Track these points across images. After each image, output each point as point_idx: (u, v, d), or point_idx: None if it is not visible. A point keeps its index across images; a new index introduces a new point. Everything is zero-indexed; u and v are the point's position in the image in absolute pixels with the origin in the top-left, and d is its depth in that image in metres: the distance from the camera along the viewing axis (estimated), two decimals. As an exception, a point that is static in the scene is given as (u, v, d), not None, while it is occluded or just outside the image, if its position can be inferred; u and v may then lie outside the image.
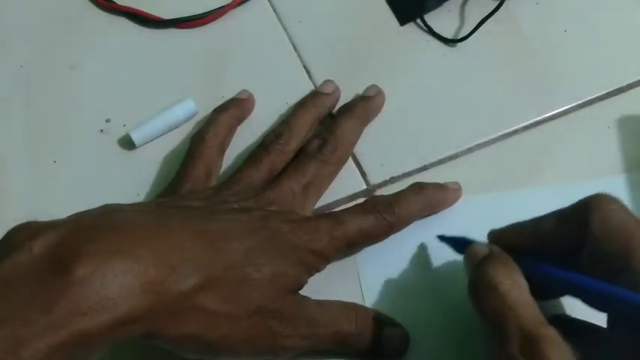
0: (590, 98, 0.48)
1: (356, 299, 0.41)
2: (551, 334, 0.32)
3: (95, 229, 0.32)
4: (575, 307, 0.37)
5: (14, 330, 0.28)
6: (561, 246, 0.36)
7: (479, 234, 0.40)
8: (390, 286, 0.42)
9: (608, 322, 0.34)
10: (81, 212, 0.34)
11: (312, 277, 0.39)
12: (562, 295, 0.38)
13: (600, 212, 0.34)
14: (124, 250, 0.31)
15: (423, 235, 0.43)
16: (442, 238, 0.41)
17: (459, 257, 0.42)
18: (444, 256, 0.42)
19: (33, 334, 0.28)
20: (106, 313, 0.30)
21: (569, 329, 0.33)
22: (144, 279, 0.31)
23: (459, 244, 0.40)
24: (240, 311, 0.35)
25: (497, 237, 0.38)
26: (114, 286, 0.30)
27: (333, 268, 0.40)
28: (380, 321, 0.39)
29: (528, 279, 0.35)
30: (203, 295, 0.34)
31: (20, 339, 0.28)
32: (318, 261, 0.39)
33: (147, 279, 0.31)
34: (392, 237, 0.42)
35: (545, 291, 0.36)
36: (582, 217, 0.34)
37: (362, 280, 0.42)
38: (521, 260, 0.35)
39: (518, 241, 0.37)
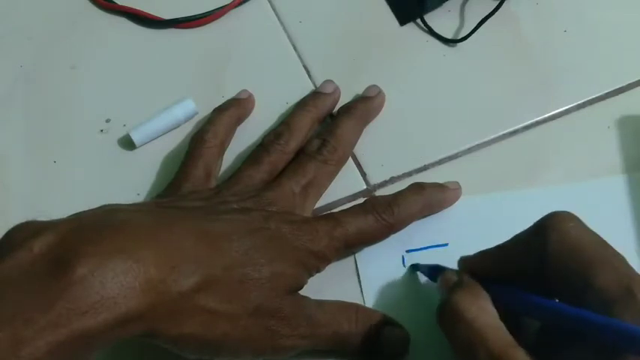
0: (590, 98, 0.48)
1: (356, 299, 0.41)
2: (521, 356, 0.31)
3: (95, 229, 0.32)
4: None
5: (14, 329, 0.28)
6: (525, 269, 0.35)
7: (479, 233, 0.40)
8: (389, 286, 0.42)
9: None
10: (81, 212, 0.34)
11: (312, 278, 0.39)
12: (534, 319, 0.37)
13: (557, 231, 0.33)
14: (124, 249, 0.31)
15: (423, 235, 0.43)
16: (415, 267, 0.42)
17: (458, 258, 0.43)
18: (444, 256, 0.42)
19: (33, 333, 0.28)
20: (106, 312, 0.30)
21: (560, 336, 0.33)
22: (144, 278, 0.31)
23: (432, 272, 0.40)
24: (239, 311, 0.35)
25: (467, 264, 0.38)
26: (114, 285, 0.30)
27: (333, 269, 0.40)
28: (380, 321, 0.39)
29: (498, 307, 0.34)
30: (203, 295, 0.34)
31: (20, 338, 0.28)
32: (317, 262, 0.39)
33: (147, 278, 0.31)
34: (392, 237, 0.42)
35: (516, 318, 0.35)
36: (540, 237, 0.34)
37: (362, 280, 0.42)
38: (490, 287, 0.35)
39: (485, 268, 0.37)
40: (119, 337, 0.31)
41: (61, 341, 0.29)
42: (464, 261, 0.38)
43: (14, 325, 0.28)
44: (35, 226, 0.32)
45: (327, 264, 0.40)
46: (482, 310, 0.34)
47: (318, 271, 0.39)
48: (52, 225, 0.32)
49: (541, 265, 0.34)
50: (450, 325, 0.34)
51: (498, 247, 0.36)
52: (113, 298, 0.30)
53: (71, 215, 0.34)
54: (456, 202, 0.44)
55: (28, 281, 0.30)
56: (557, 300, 0.34)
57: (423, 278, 0.42)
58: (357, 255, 0.43)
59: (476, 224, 0.43)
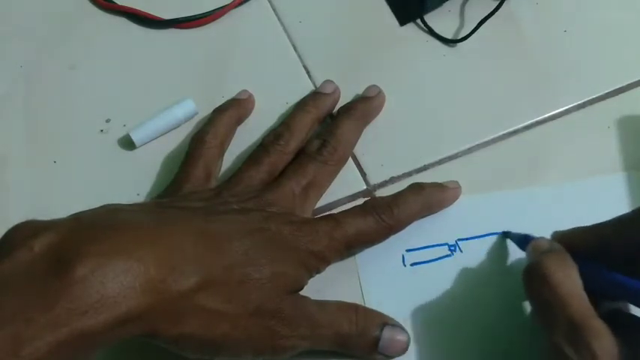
0: (590, 98, 0.48)
1: (356, 299, 0.41)
2: (599, 326, 0.32)
3: (96, 229, 0.32)
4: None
5: (15, 329, 0.28)
6: (623, 252, 0.35)
7: (482, 230, 0.40)
8: (390, 285, 0.42)
9: None
10: (81, 212, 0.34)
11: (312, 278, 0.39)
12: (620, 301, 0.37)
13: None
14: (124, 249, 0.31)
15: (423, 234, 0.43)
16: (507, 234, 0.42)
17: (458, 257, 0.43)
18: (442, 254, 0.42)
19: (33, 333, 0.29)
20: (106, 312, 0.30)
21: (625, 325, 0.33)
22: (144, 278, 0.31)
23: (522, 240, 0.40)
24: (239, 311, 0.35)
25: (560, 238, 0.38)
26: (114, 285, 0.30)
27: (333, 269, 0.40)
28: (380, 321, 0.39)
29: (587, 284, 0.34)
30: (203, 295, 0.34)
31: (20, 338, 0.28)
32: (317, 262, 0.39)
33: (147, 278, 0.31)
34: (392, 236, 0.41)
35: (603, 297, 0.36)
36: None
37: (362, 280, 0.42)
38: (580, 263, 0.35)
39: (579, 245, 0.37)
40: (119, 336, 0.31)
41: (62, 341, 0.29)
42: (557, 235, 0.38)
43: (15, 324, 0.29)
44: (35, 226, 0.32)
45: (327, 265, 0.40)
46: (568, 278, 0.34)
47: (318, 271, 0.39)
48: (52, 224, 0.32)
49: None
50: (535, 286, 0.35)
51: (596, 226, 0.36)
52: (113, 297, 0.30)
53: (71, 215, 0.34)
54: (456, 202, 0.44)
55: (28, 281, 0.30)
56: None
57: (423, 278, 0.42)
58: (357, 255, 0.43)
59: (476, 223, 0.43)
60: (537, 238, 0.38)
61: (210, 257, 0.35)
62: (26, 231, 0.32)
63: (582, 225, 0.37)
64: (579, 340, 0.32)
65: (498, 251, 0.43)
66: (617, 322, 0.33)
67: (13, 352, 0.28)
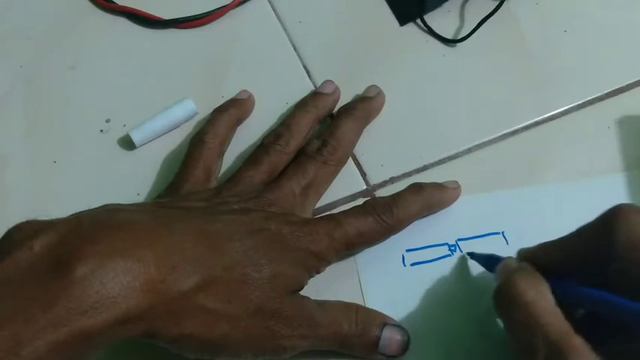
0: (590, 98, 0.48)
1: (356, 299, 0.41)
2: (579, 344, 0.31)
3: (96, 229, 0.32)
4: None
5: (14, 329, 0.28)
6: (588, 264, 0.35)
7: (482, 230, 0.40)
8: (390, 285, 0.42)
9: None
10: (81, 212, 0.34)
11: (312, 278, 0.39)
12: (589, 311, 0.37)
13: (626, 223, 0.33)
14: (124, 249, 0.31)
15: (423, 234, 0.43)
16: (472, 255, 0.42)
17: (456, 258, 0.43)
18: (442, 254, 0.42)
19: (33, 333, 0.29)
20: (106, 312, 0.30)
21: (602, 325, 0.33)
22: (144, 278, 0.31)
23: (489, 261, 0.40)
24: (240, 311, 0.35)
25: (526, 256, 0.37)
26: (114, 285, 0.30)
27: (333, 269, 0.40)
28: (380, 321, 0.39)
29: (557, 300, 0.34)
30: (203, 295, 0.34)
31: (20, 338, 0.28)
32: (317, 262, 0.39)
33: (147, 278, 0.31)
34: (392, 237, 0.41)
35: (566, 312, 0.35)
36: (606, 231, 0.33)
37: (362, 280, 0.42)
38: (549, 280, 0.35)
39: (545, 261, 0.36)
40: (119, 336, 0.31)
41: (62, 341, 0.29)
42: (523, 252, 0.38)
43: (15, 324, 0.29)
44: (35, 226, 0.32)
45: (327, 265, 0.40)
46: (541, 295, 0.33)
47: (318, 272, 0.39)
48: (52, 224, 0.32)
49: (606, 259, 0.33)
50: (507, 307, 0.34)
51: (560, 240, 0.36)
52: (113, 297, 0.30)
53: (71, 215, 0.34)
54: (456, 202, 0.44)
55: (28, 281, 0.30)
56: (618, 294, 0.33)
57: (422, 278, 0.42)
58: (357, 255, 0.43)
59: (476, 223, 0.43)
60: (505, 259, 0.38)
61: (210, 257, 0.35)
62: (26, 231, 0.32)
63: (582, 224, 0.37)
64: None
65: (498, 252, 0.43)
66: (594, 323, 0.32)
67: (13, 352, 0.28)
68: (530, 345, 0.32)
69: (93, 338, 0.30)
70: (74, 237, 0.31)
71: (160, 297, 0.32)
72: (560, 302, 0.34)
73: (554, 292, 0.34)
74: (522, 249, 0.38)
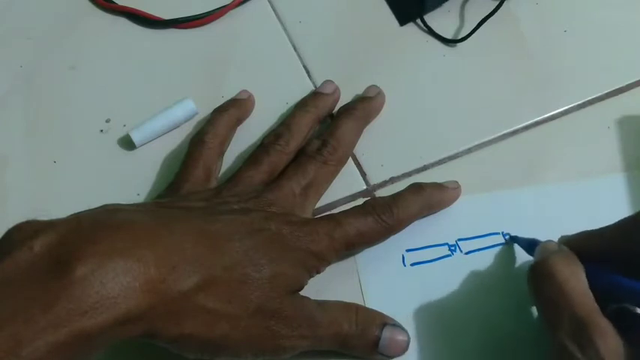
0: (590, 98, 0.48)
1: (356, 299, 0.41)
2: (604, 324, 0.32)
3: (96, 229, 0.32)
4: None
5: (14, 329, 0.28)
6: (626, 255, 0.35)
7: (482, 229, 0.40)
8: (390, 285, 0.42)
9: None
10: (81, 212, 0.34)
11: (312, 278, 0.39)
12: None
13: None
14: (124, 249, 0.31)
15: (423, 234, 0.43)
16: (514, 239, 0.42)
17: (458, 257, 0.43)
18: (442, 254, 0.42)
19: (33, 334, 0.28)
20: (106, 312, 0.30)
21: (630, 324, 0.33)
22: (144, 278, 0.31)
23: (529, 245, 0.40)
24: (240, 311, 0.35)
25: (566, 242, 0.38)
26: (114, 285, 0.30)
27: (333, 269, 0.40)
28: (380, 321, 0.39)
29: (592, 286, 0.34)
30: (203, 295, 0.34)
31: (20, 338, 0.28)
32: (318, 262, 0.39)
33: (147, 278, 0.31)
34: (392, 237, 0.41)
35: (608, 299, 0.35)
36: None
37: (362, 280, 0.42)
38: (586, 266, 0.35)
39: (585, 249, 0.36)
40: (119, 337, 0.31)
41: (62, 341, 0.29)
42: (564, 238, 0.38)
43: (14, 324, 0.29)
44: (35, 226, 0.32)
45: (327, 265, 0.40)
46: (575, 276, 0.34)
47: (318, 272, 0.39)
48: (52, 225, 0.32)
49: None
50: (540, 283, 0.35)
51: (601, 229, 0.36)
52: (113, 297, 0.30)
53: (71, 215, 0.34)
54: (456, 201, 0.44)
55: (28, 281, 0.30)
56: None
57: (424, 277, 0.42)
58: (357, 255, 0.43)
59: (476, 223, 0.43)
60: (545, 241, 0.38)
61: (210, 257, 0.35)
62: (26, 231, 0.32)
63: (582, 225, 0.37)
64: (584, 338, 0.32)
65: (498, 251, 0.43)
66: (623, 321, 0.33)
67: (13, 352, 0.28)
68: (558, 320, 0.33)
69: (93, 339, 0.30)
70: (74, 237, 0.31)
71: (160, 297, 0.32)
72: (594, 291, 0.34)
73: (589, 279, 0.35)
74: (564, 235, 0.38)
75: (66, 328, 0.29)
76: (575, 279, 0.34)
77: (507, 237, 0.43)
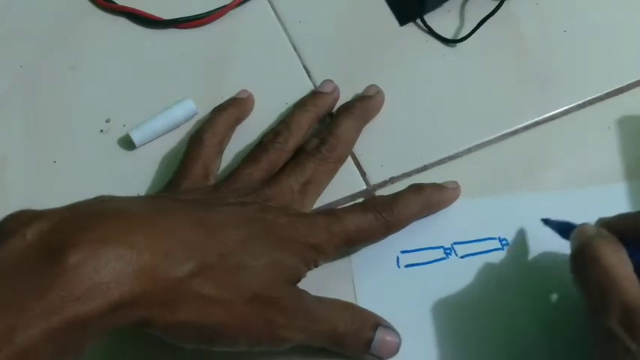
0: (590, 98, 0.48)
1: (349, 299, 0.40)
2: None
3: (89, 217, 0.32)
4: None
5: (8, 316, 0.28)
6: None
7: (478, 234, 0.40)
8: (383, 286, 0.42)
9: None
10: (76, 202, 0.34)
11: (305, 278, 0.39)
12: None
13: None
14: (117, 236, 0.31)
15: (420, 236, 0.43)
16: (547, 222, 0.41)
17: (453, 261, 0.42)
18: (437, 256, 0.42)
19: (27, 321, 0.28)
20: (99, 298, 0.30)
21: None
22: (137, 264, 0.31)
23: (563, 228, 0.39)
24: (235, 297, 0.35)
25: (605, 225, 0.38)
26: (107, 271, 0.30)
27: (327, 268, 0.40)
28: (373, 322, 0.39)
29: (635, 271, 0.34)
30: (197, 281, 0.33)
31: (14, 325, 0.28)
32: (316, 255, 0.38)
33: (141, 264, 0.31)
34: (387, 237, 0.41)
35: None
36: None
37: (355, 280, 0.42)
38: (629, 249, 0.35)
39: (624, 231, 0.36)
40: (113, 323, 0.31)
41: (55, 328, 0.29)
42: (603, 221, 0.38)
43: (8, 312, 0.29)
44: (28, 215, 0.32)
45: (325, 258, 0.39)
46: (620, 260, 0.34)
47: (316, 265, 0.39)
48: (45, 213, 0.32)
49: None
50: (585, 268, 0.35)
51: None
52: (106, 283, 0.30)
53: (66, 205, 0.34)
54: (454, 205, 0.44)
55: (21, 269, 0.30)
56: None
57: (417, 280, 0.42)
58: (351, 256, 0.42)
59: (473, 227, 0.43)
60: (583, 224, 0.38)
61: (205, 244, 0.34)
62: (20, 219, 0.32)
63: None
64: (634, 325, 0.32)
65: (494, 257, 0.42)
66: None
67: (7, 339, 0.28)
68: (606, 306, 0.33)
69: (87, 325, 0.30)
70: (67, 225, 0.31)
71: (153, 283, 0.32)
72: (636, 272, 0.34)
73: (631, 261, 0.34)
74: (602, 217, 0.38)
75: (60, 315, 0.29)
76: (621, 264, 0.34)
77: (541, 220, 0.41)
